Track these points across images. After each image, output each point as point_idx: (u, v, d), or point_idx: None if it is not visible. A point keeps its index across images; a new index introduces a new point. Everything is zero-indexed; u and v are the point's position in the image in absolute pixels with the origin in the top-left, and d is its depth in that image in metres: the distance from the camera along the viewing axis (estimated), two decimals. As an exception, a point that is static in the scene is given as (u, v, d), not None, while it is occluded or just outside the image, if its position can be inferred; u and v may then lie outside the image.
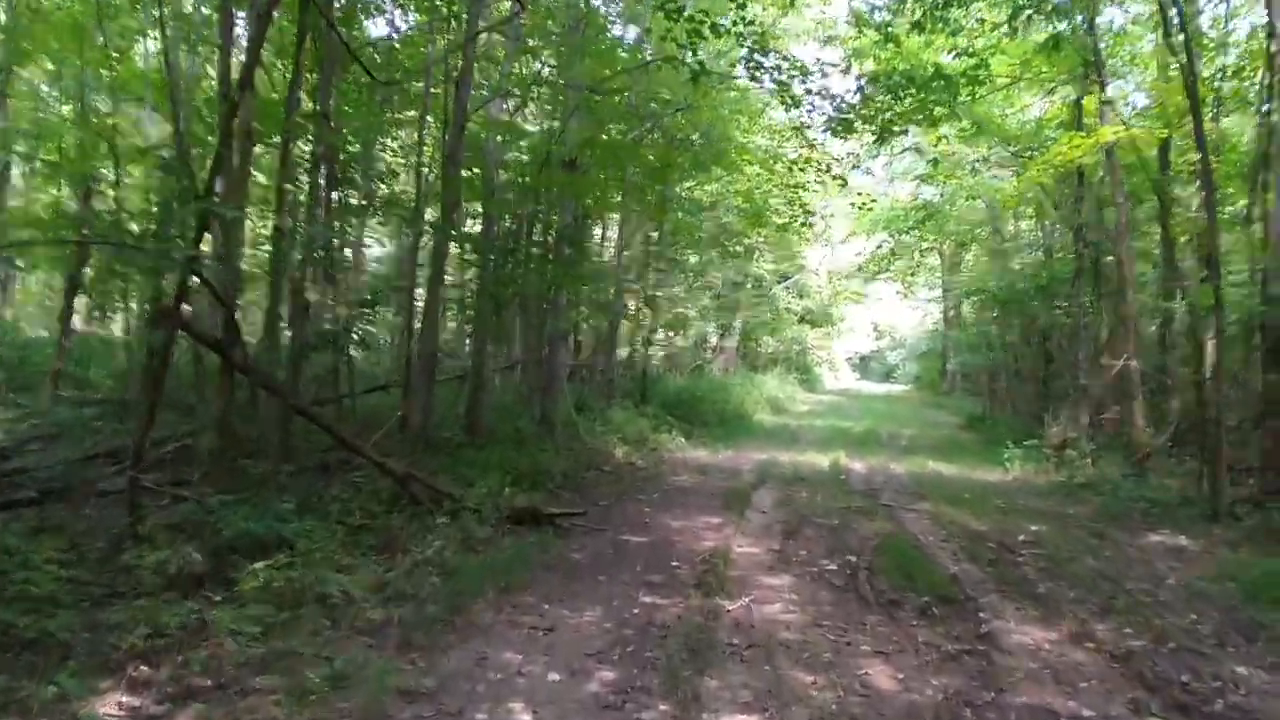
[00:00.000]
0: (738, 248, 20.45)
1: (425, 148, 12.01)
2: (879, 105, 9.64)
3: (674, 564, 7.18)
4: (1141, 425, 11.85)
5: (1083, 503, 10.46)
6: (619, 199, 13.32)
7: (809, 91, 9.58)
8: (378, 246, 22.57)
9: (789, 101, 9.77)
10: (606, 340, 18.65)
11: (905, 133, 11.88)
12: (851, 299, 36.45)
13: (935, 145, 15.04)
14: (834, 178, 15.09)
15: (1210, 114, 11.97)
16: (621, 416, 14.88)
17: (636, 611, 5.81)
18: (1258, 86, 11.41)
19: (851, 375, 54.30)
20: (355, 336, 7.83)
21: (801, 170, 15.79)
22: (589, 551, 7.46)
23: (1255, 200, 11.40)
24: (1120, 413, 12.25)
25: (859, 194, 18.53)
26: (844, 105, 10.33)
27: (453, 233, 11.21)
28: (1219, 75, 12.36)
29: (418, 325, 11.67)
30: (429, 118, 11.76)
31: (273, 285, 8.57)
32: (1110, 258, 13.39)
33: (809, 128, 12.93)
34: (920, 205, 18.42)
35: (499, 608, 5.73)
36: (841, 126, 10.20)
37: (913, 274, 32.53)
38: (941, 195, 18.90)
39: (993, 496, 10.96)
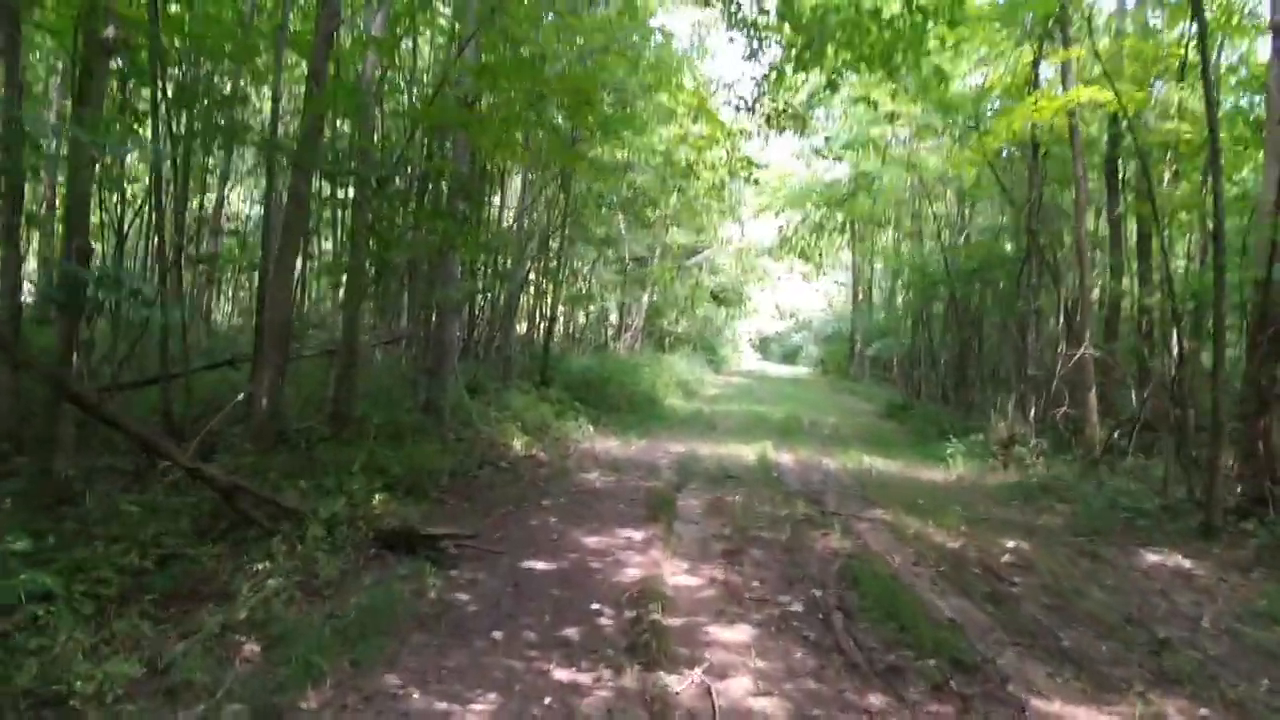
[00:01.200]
0: (649, 213, 18.63)
1: (285, 68, 9.73)
2: (840, 39, 8.04)
3: (594, 607, 5.43)
4: (1095, 421, 10.81)
5: (1050, 511, 9.24)
6: (523, 143, 11.31)
7: (764, 12, 7.89)
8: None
9: (738, 24, 8.06)
10: (504, 315, 16.65)
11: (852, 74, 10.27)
12: (758, 280, 35.38)
13: (892, 100, 13.67)
14: (780, 117, 13.32)
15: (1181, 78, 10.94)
16: (521, 401, 12.98)
17: (549, 702, 4.02)
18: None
19: (753, 356, 53.70)
20: (144, 292, 5.61)
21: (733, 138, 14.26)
22: (480, 591, 5.61)
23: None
24: (1071, 406, 11.18)
25: (770, 172, 17.26)
26: (794, 42, 8.69)
27: (321, 167, 9.03)
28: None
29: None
30: (289, 27, 9.48)
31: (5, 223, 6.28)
32: (1067, 239, 12.31)
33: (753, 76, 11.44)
34: (851, 179, 17.04)
35: (342, 701, 3.84)
36: (795, 64, 8.54)
37: (821, 256, 31.66)
38: (868, 170, 17.61)
39: (947, 501, 9.64)
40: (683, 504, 8.84)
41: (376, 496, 7.15)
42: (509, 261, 16.39)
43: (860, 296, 31.49)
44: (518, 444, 11.28)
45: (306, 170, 8.46)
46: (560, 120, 11.62)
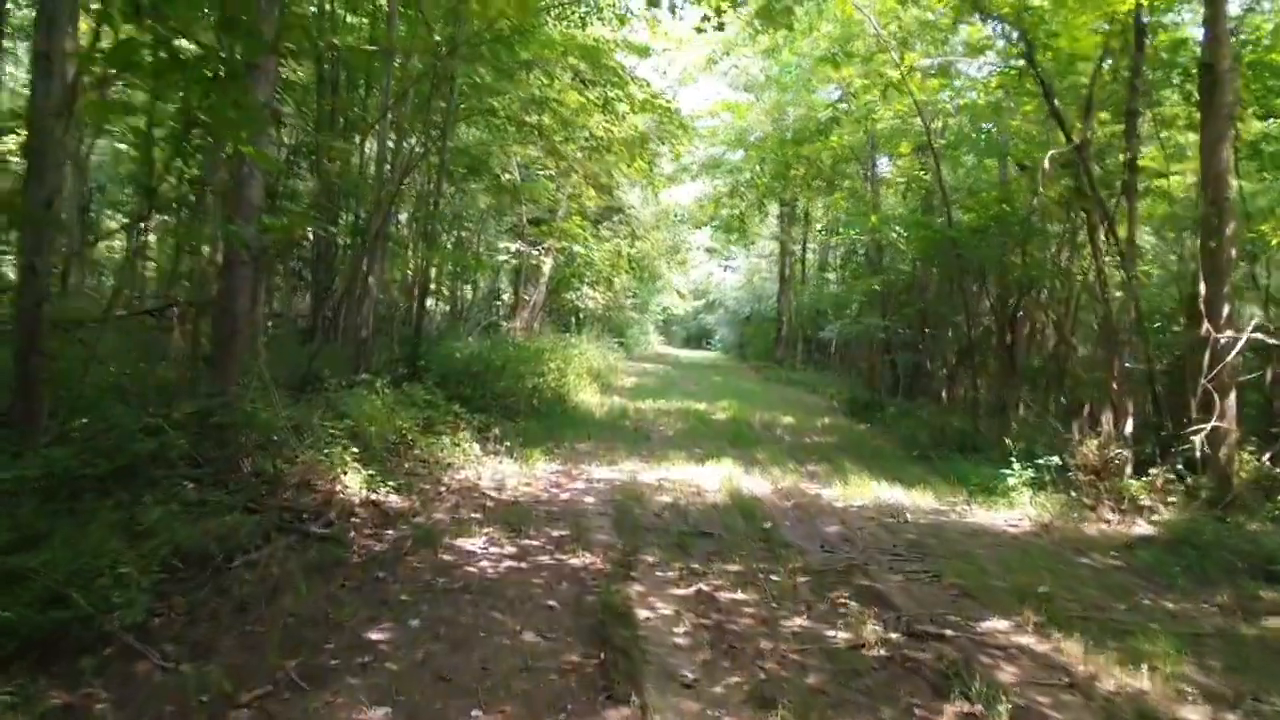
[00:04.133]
0: (558, 139, 14.08)
1: None
2: None
3: None
4: (1234, 440, 7.22)
5: (1250, 604, 5.49)
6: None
7: None
8: None
9: None
10: (356, 280, 12.02)
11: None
12: (675, 255, 31.53)
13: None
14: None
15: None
16: (370, 405, 8.44)
17: None
18: None
19: (657, 339, 49.85)
20: None
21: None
22: None
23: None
24: (1191, 414, 7.53)
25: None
26: None
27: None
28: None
29: None
30: None
31: None
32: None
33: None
34: (830, 105, 12.92)
35: None
36: None
37: (743, 224, 27.91)
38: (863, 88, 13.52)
39: (1078, 583, 5.80)
40: (648, 622, 4.66)
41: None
42: (365, 212, 11.81)
43: (788, 273, 27.93)
44: (354, 481, 6.83)
45: None
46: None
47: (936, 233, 12.11)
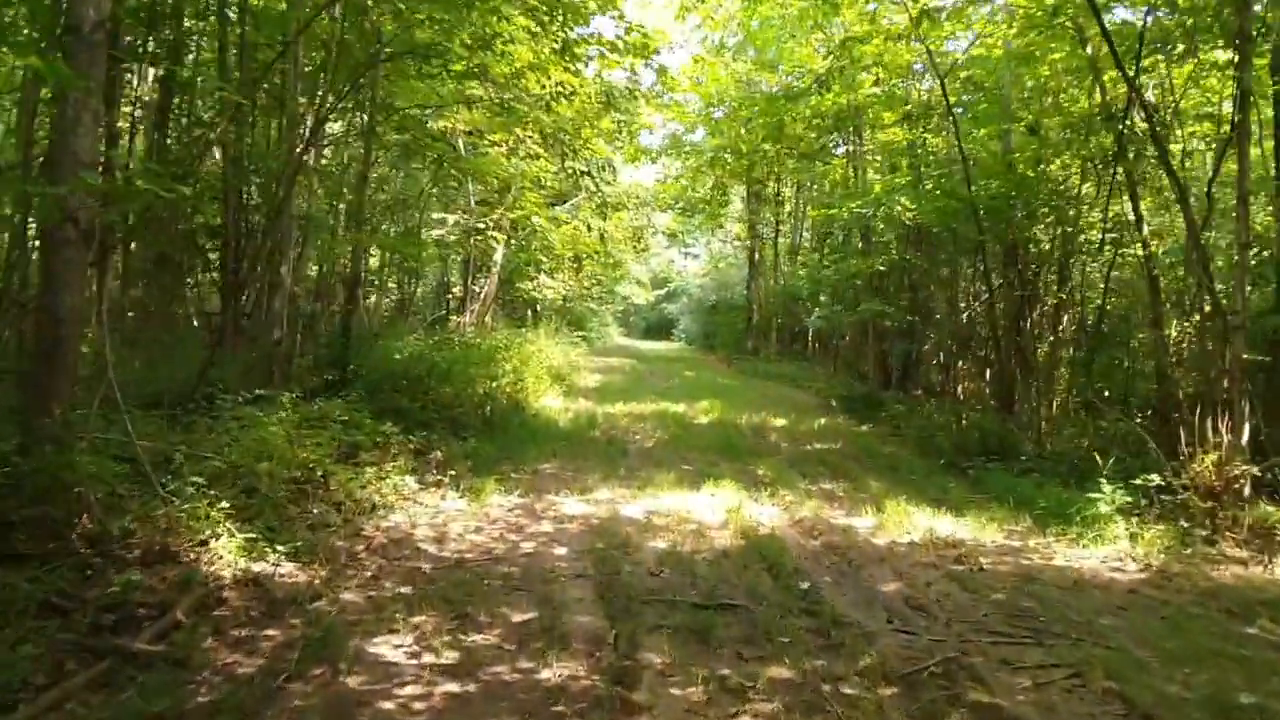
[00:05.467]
0: (516, 92, 11.92)
1: None
2: None
3: None
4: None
5: None
6: None
7: None
8: None
9: None
10: (267, 270, 9.96)
11: None
12: (638, 241, 29.54)
13: None
14: None
15: None
16: (264, 430, 6.36)
17: None
18: None
19: (617, 331, 47.85)
20: None
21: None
22: None
23: None
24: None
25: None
26: None
27: None
28: None
29: None
30: None
31: None
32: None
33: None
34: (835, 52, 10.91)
35: None
36: None
37: (714, 204, 26.16)
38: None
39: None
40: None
41: None
42: (275, 187, 9.69)
43: (758, 257, 26.13)
44: (224, 549, 4.82)
45: None
46: None
47: (964, 197, 10.30)
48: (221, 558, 4.77)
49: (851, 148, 17.36)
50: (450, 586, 4.90)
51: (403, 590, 4.80)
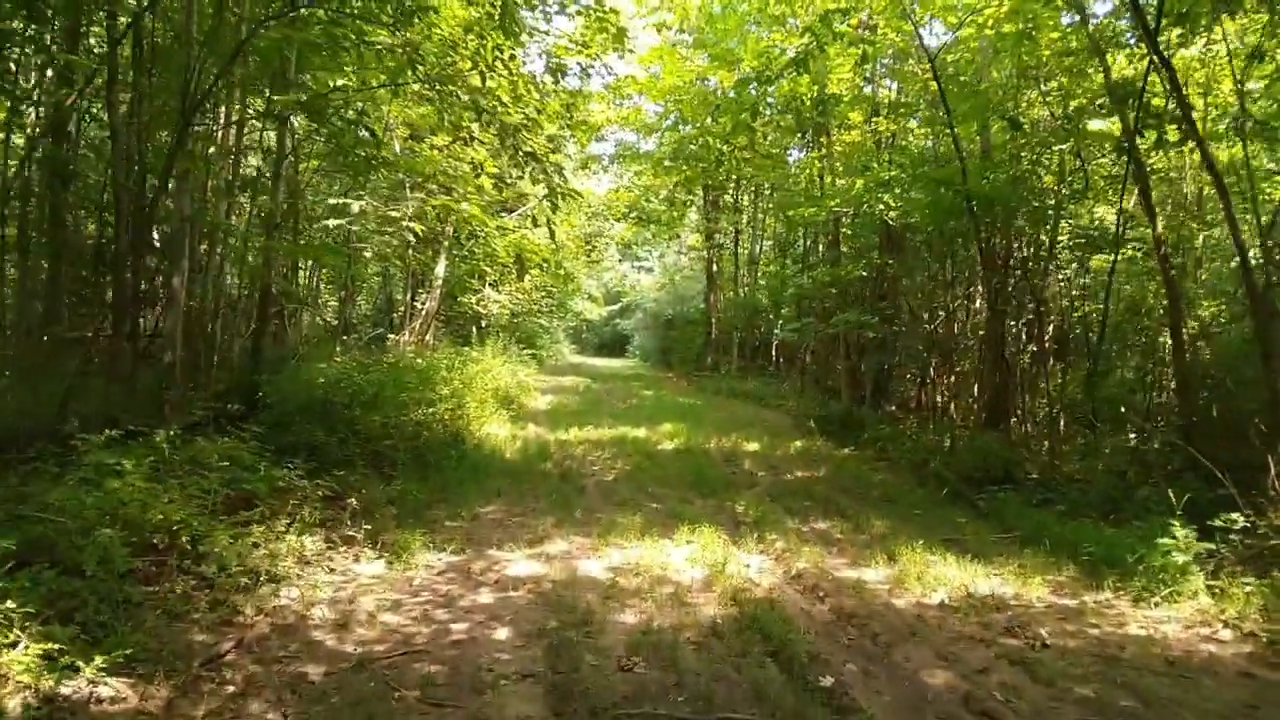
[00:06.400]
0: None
1: None
2: None
3: None
4: None
5: None
6: None
7: None
8: None
9: None
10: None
11: None
12: (591, 254, 28.23)
13: None
14: None
15: None
16: (122, 475, 4.88)
17: None
18: None
19: (569, 347, 46.37)
20: None
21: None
22: None
23: None
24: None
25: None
26: None
27: None
28: None
29: None
30: None
31: None
32: None
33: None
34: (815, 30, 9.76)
35: None
36: None
37: (675, 214, 25.03)
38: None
39: None
40: None
41: None
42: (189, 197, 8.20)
43: (716, 269, 24.97)
44: (15, 663, 3.36)
45: None
46: None
47: (962, 190, 9.16)
48: (8, 678, 3.33)
49: (822, 150, 16.30)
50: (344, 708, 3.51)
51: (272, 718, 3.40)
